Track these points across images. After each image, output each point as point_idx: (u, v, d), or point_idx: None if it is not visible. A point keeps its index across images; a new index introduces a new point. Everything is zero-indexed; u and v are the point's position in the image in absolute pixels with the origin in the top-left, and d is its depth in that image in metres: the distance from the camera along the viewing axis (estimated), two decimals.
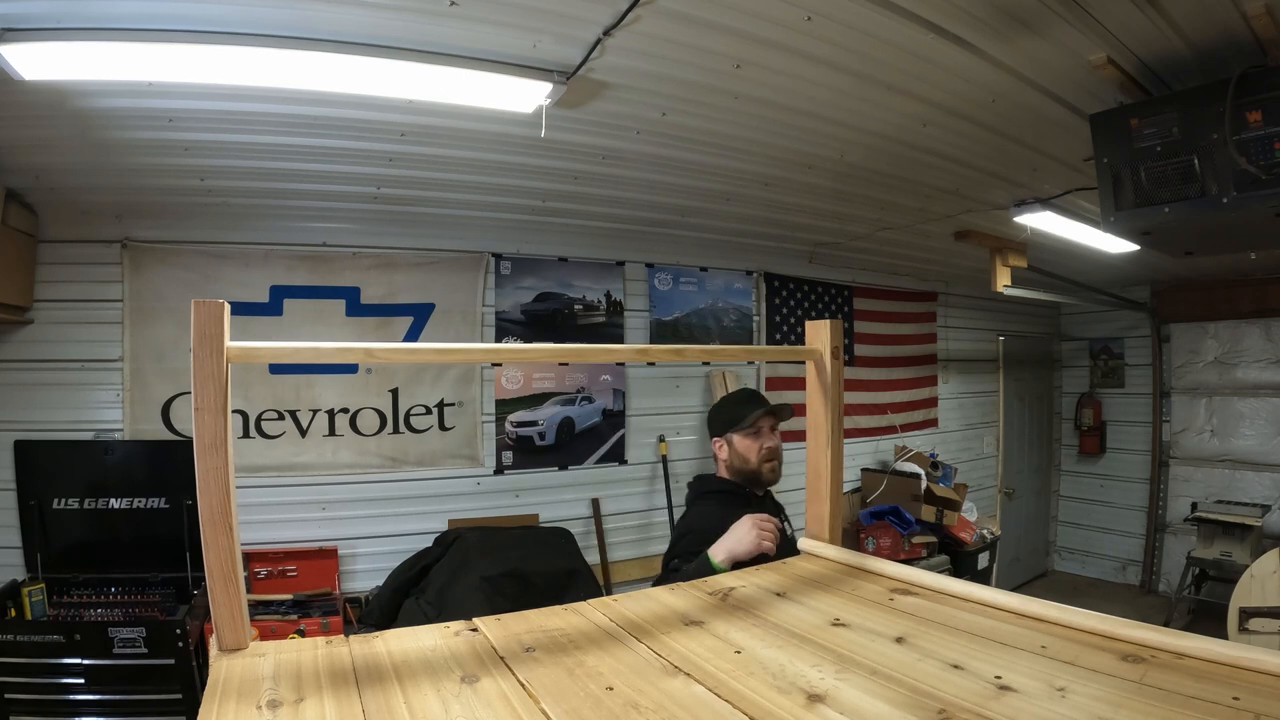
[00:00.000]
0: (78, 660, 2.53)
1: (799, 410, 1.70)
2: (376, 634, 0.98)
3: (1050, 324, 6.92)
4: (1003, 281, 4.29)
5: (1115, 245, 4.11)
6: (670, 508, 4.06)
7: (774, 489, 2.20)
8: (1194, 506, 5.31)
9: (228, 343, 0.88)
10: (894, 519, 4.33)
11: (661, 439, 4.18)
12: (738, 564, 1.69)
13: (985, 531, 4.84)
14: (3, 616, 2.65)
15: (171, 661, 2.57)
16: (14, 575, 2.84)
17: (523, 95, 2.17)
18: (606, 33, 1.91)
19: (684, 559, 1.87)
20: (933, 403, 5.72)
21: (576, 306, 3.95)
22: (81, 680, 2.54)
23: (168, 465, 3.00)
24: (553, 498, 3.86)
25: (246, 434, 3.24)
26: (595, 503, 3.96)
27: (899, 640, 0.96)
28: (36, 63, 1.79)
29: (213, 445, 0.86)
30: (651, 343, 4.13)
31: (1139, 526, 6.32)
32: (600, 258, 4.03)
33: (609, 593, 3.46)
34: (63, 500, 2.90)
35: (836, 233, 4.20)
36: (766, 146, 2.79)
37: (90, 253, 3.05)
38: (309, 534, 3.30)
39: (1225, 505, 5.27)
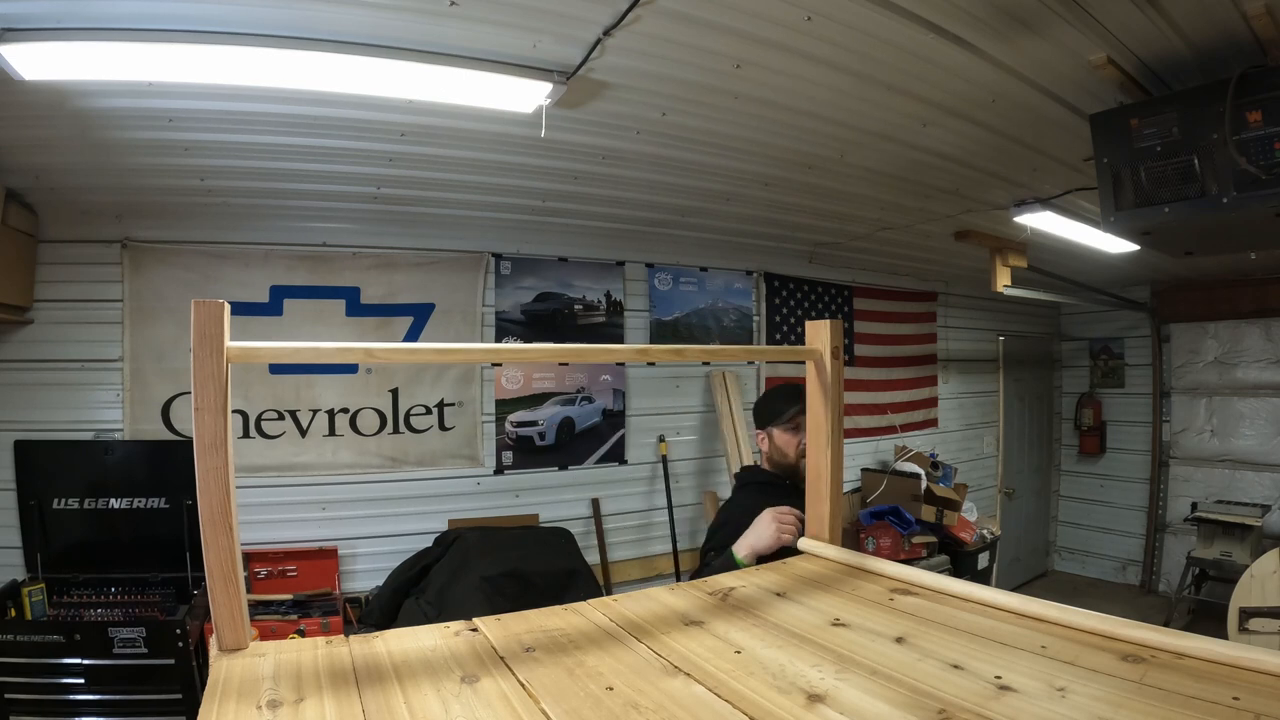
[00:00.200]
0: (78, 660, 2.53)
1: None
2: (376, 634, 0.98)
3: (1050, 324, 6.92)
4: (1003, 281, 4.29)
5: (1115, 245, 4.11)
6: (670, 508, 4.06)
7: None
8: (1194, 506, 5.31)
9: (228, 343, 0.88)
10: (894, 519, 4.33)
11: (661, 439, 4.18)
12: (761, 557, 1.74)
13: (985, 531, 4.84)
14: (3, 616, 2.65)
15: (171, 661, 2.57)
16: (14, 575, 2.84)
17: (523, 95, 2.17)
18: (606, 33, 1.91)
19: (717, 551, 1.94)
20: (933, 403, 5.72)
21: (576, 306, 3.95)
22: (81, 680, 2.54)
23: (168, 465, 3.00)
24: (553, 498, 3.87)
25: (246, 434, 3.24)
26: (595, 503, 3.96)
27: (899, 640, 0.96)
28: (36, 63, 1.79)
29: (213, 445, 0.86)
30: (651, 343, 4.13)
31: (1139, 526, 6.32)
32: (600, 258, 4.03)
33: (609, 593, 3.46)
34: (63, 500, 2.90)
35: (836, 233, 4.20)
36: (766, 146, 2.79)
37: (90, 253, 3.05)
38: (309, 534, 3.30)
39: (1225, 505, 5.27)
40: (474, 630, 1.01)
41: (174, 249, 3.15)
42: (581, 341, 3.94)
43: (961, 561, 4.53)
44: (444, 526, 3.55)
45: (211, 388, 0.86)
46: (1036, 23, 1.98)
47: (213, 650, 0.91)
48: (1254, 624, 3.60)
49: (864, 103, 2.45)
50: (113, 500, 2.95)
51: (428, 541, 3.46)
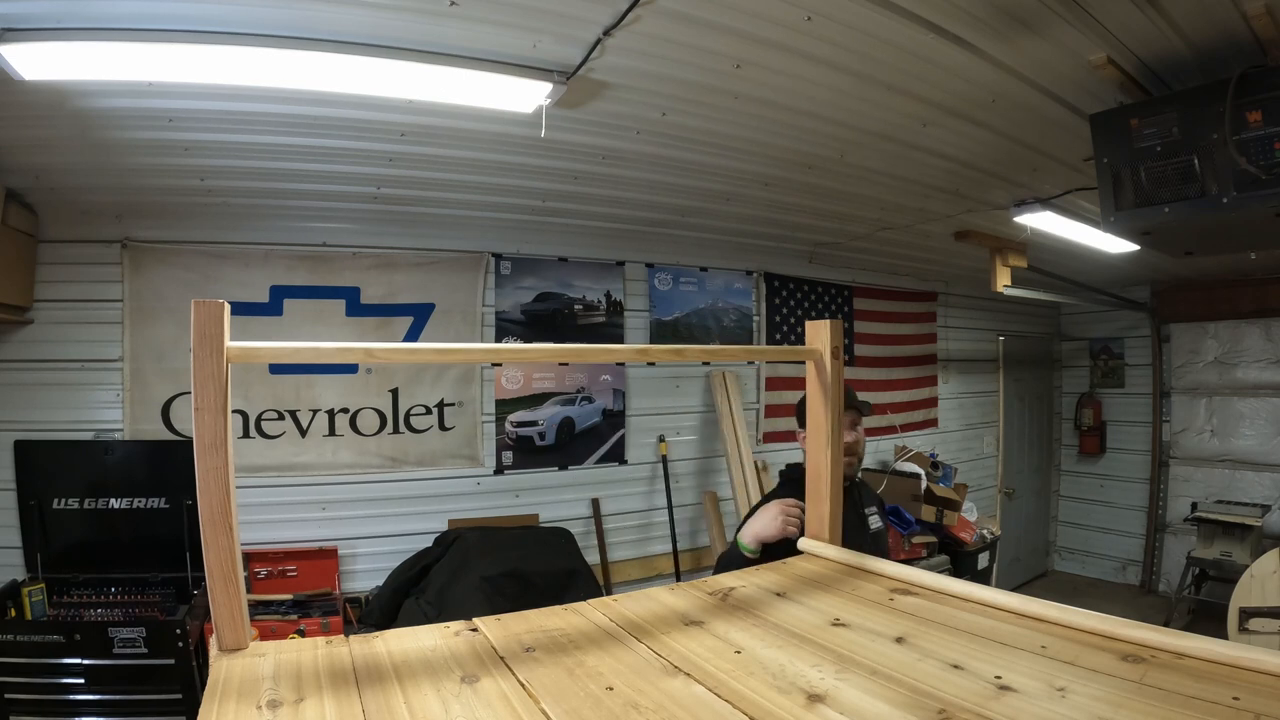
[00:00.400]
0: (78, 660, 2.53)
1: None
2: (376, 634, 0.98)
3: (1050, 324, 6.91)
4: (1003, 281, 4.29)
5: (1115, 245, 4.11)
6: (670, 508, 4.06)
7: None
8: (1194, 506, 5.31)
9: (228, 343, 0.88)
10: (894, 519, 4.33)
11: (661, 439, 4.18)
12: (767, 546, 1.79)
13: (985, 531, 4.84)
14: (3, 616, 2.65)
15: (171, 661, 2.57)
16: (14, 575, 2.84)
17: (523, 95, 2.17)
18: (606, 33, 1.91)
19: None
20: (933, 403, 5.72)
21: (576, 306, 3.95)
22: (81, 680, 2.54)
23: (168, 465, 3.00)
24: (553, 498, 3.86)
25: (246, 434, 3.24)
26: (595, 503, 3.96)
27: (899, 640, 0.96)
28: (36, 63, 1.79)
29: (213, 445, 0.86)
30: (651, 343, 4.13)
31: (1139, 526, 6.32)
32: (600, 258, 4.03)
33: (609, 593, 3.47)
34: (63, 500, 2.90)
35: (836, 233, 4.20)
36: (766, 146, 2.79)
37: (90, 253, 3.05)
38: (309, 534, 3.30)
39: (1225, 505, 5.27)
40: (474, 630, 1.01)
41: (174, 249, 3.15)
42: (581, 341, 3.94)
43: (961, 561, 4.53)
44: (444, 526, 3.55)
45: (211, 388, 0.86)
46: (1036, 23, 1.98)
47: (213, 650, 0.91)
48: (1254, 624, 3.60)
49: (864, 103, 2.45)
50: (113, 500, 2.95)
51: (428, 541, 3.46)
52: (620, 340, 4.07)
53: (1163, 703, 0.75)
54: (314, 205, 3.21)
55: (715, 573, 1.79)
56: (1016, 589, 1.91)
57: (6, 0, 1.63)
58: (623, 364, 4.10)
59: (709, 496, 4.21)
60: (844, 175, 3.17)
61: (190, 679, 2.57)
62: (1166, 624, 1.52)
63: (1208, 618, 4.75)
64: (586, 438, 3.98)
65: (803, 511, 1.81)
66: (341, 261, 3.42)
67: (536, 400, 3.85)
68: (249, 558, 3.10)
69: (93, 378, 3.05)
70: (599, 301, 4.02)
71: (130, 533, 2.96)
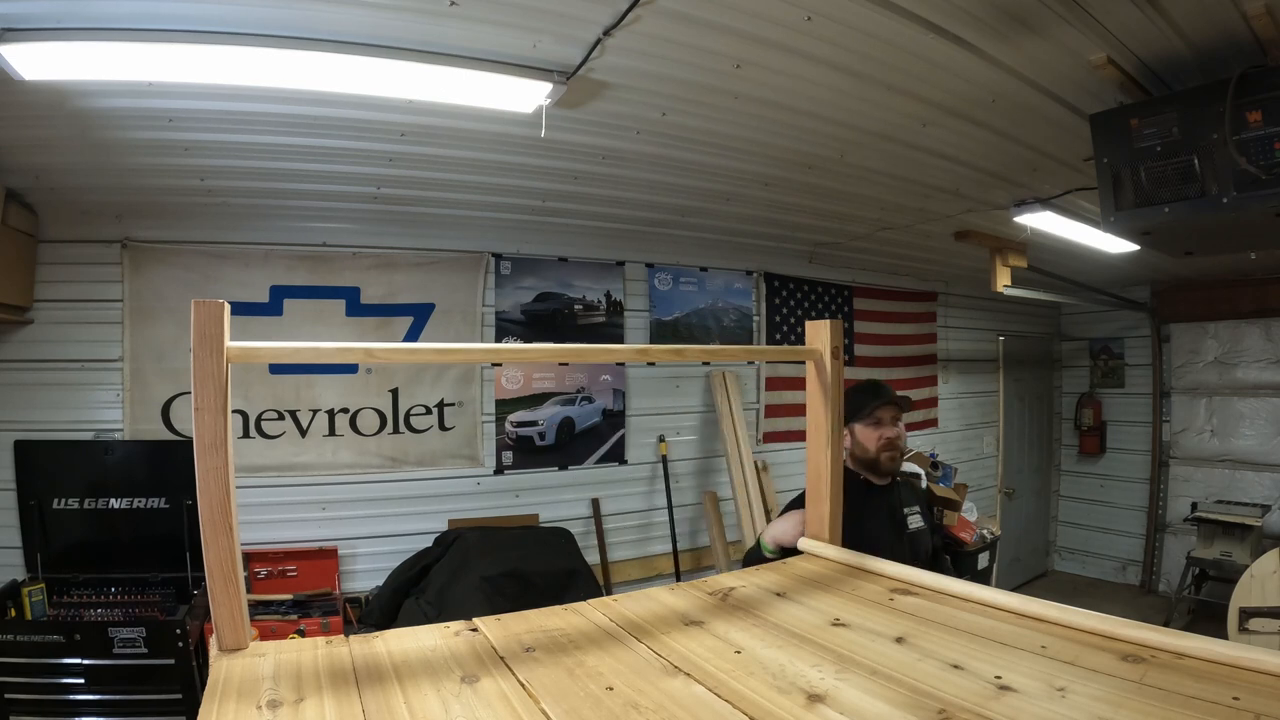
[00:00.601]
0: (78, 660, 2.53)
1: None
2: (376, 634, 0.99)
3: (1050, 324, 6.91)
4: (1003, 281, 4.29)
5: (1115, 245, 4.10)
6: (670, 508, 4.06)
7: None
8: (1194, 506, 5.31)
9: (228, 343, 0.88)
10: None
11: (661, 439, 4.18)
12: (786, 551, 1.78)
13: (985, 531, 4.83)
14: (3, 616, 2.65)
15: (171, 661, 2.57)
16: (14, 575, 2.84)
17: (523, 95, 2.17)
18: (606, 33, 1.91)
19: None
20: (933, 403, 5.72)
21: (576, 306, 3.95)
22: (81, 680, 2.54)
23: (168, 465, 3.00)
24: (553, 498, 3.86)
25: (246, 434, 3.24)
26: (595, 503, 3.96)
27: (899, 640, 0.96)
28: (36, 63, 1.79)
29: (213, 445, 0.86)
30: (651, 343, 4.13)
31: (1139, 526, 6.32)
32: (600, 258, 4.03)
33: (609, 593, 3.46)
34: (63, 500, 2.90)
35: (836, 233, 4.20)
36: (766, 146, 2.79)
37: (90, 253, 3.05)
38: (309, 534, 3.30)
39: (1225, 505, 5.27)
40: (474, 630, 1.01)
41: (174, 249, 3.15)
42: (581, 341, 3.94)
43: (961, 561, 4.52)
44: (444, 526, 3.55)
45: (211, 388, 0.86)
46: (1036, 23, 1.98)
47: (213, 650, 0.91)
48: (1254, 624, 3.60)
49: (864, 103, 2.45)
50: (113, 500, 2.95)
51: (428, 541, 3.46)
52: (620, 340, 4.07)
53: (1163, 703, 0.75)
54: (314, 205, 3.21)
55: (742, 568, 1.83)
56: (1016, 589, 1.92)
57: (6, 0, 1.63)
58: (623, 364, 4.10)
59: (709, 496, 4.21)
60: (844, 175, 3.17)
61: (190, 679, 2.57)
62: (1166, 624, 1.52)
63: (1208, 618, 4.75)
64: (586, 438, 3.98)
65: None
66: (341, 261, 3.42)
67: (536, 400, 3.85)
68: (249, 558, 3.10)
69: (93, 378, 3.05)
70: (599, 301, 4.02)
71: (130, 533, 2.96)
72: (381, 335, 3.49)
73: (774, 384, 4.63)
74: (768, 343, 4.60)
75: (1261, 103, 1.93)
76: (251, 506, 3.07)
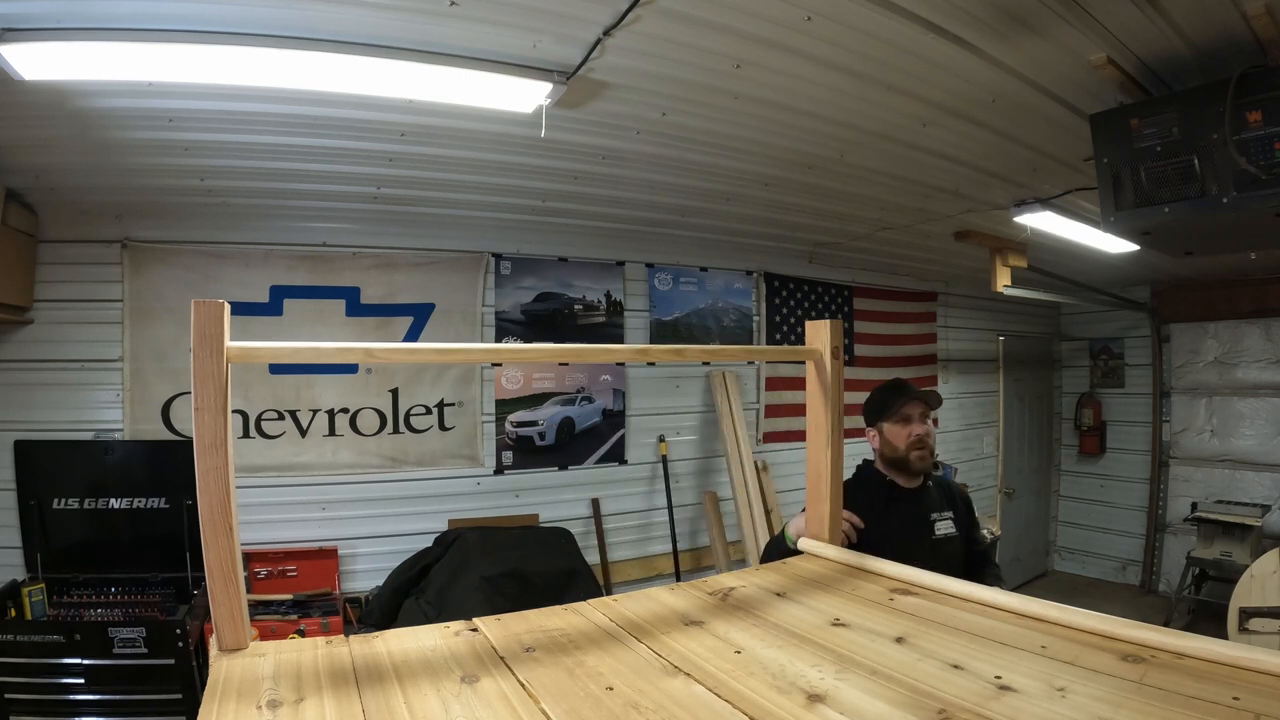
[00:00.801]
0: (78, 660, 2.53)
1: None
2: (376, 634, 0.99)
3: (1050, 324, 6.91)
4: (1003, 281, 4.29)
5: (1115, 245, 4.10)
6: (670, 508, 4.06)
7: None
8: (1194, 506, 5.31)
9: (228, 343, 0.88)
10: None
11: (661, 439, 4.18)
12: None
13: (985, 531, 4.83)
14: (3, 616, 2.65)
15: (171, 661, 2.57)
16: (14, 575, 2.84)
17: (523, 95, 2.17)
18: (606, 33, 1.91)
19: None
20: None
21: (576, 306, 3.95)
22: (81, 680, 2.54)
23: (168, 465, 3.00)
24: (553, 498, 3.86)
25: (246, 434, 3.24)
26: (595, 503, 3.96)
27: (899, 640, 0.96)
28: (36, 63, 1.79)
29: (213, 445, 0.86)
30: (651, 343, 4.13)
31: (1139, 526, 6.31)
32: (600, 258, 4.03)
33: (609, 593, 3.46)
34: (63, 500, 2.90)
35: (836, 233, 4.20)
36: (766, 146, 2.79)
37: (90, 253, 3.05)
38: (309, 534, 3.30)
39: (1225, 505, 5.27)
40: (474, 630, 1.01)
41: (174, 249, 3.15)
42: (581, 341, 3.94)
43: None
44: (444, 526, 3.55)
45: (211, 388, 0.86)
46: (1036, 23, 1.98)
47: (213, 650, 0.91)
48: (1254, 624, 3.60)
49: (864, 103, 2.45)
50: (113, 500, 2.95)
51: (428, 541, 3.46)
52: (620, 340, 4.07)
53: (1163, 703, 0.75)
54: (314, 205, 3.21)
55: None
56: (1016, 589, 1.91)
57: (6, 0, 1.63)
58: (623, 364, 4.10)
59: (709, 496, 4.21)
60: (844, 175, 3.17)
61: (190, 679, 2.57)
62: (1166, 624, 1.52)
63: (1208, 618, 4.75)
64: (586, 438, 3.98)
65: (851, 524, 1.78)
66: (341, 261, 3.42)
67: (536, 400, 3.85)
68: (249, 558, 3.10)
69: (93, 378, 3.05)
70: (599, 301, 4.02)
71: (130, 533, 2.96)
72: (381, 335, 3.49)
73: (774, 384, 4.63)
74: (768, 343, 4.60)
75: (1261, 103, 1.93)
76: (251, 506, 3.07)
